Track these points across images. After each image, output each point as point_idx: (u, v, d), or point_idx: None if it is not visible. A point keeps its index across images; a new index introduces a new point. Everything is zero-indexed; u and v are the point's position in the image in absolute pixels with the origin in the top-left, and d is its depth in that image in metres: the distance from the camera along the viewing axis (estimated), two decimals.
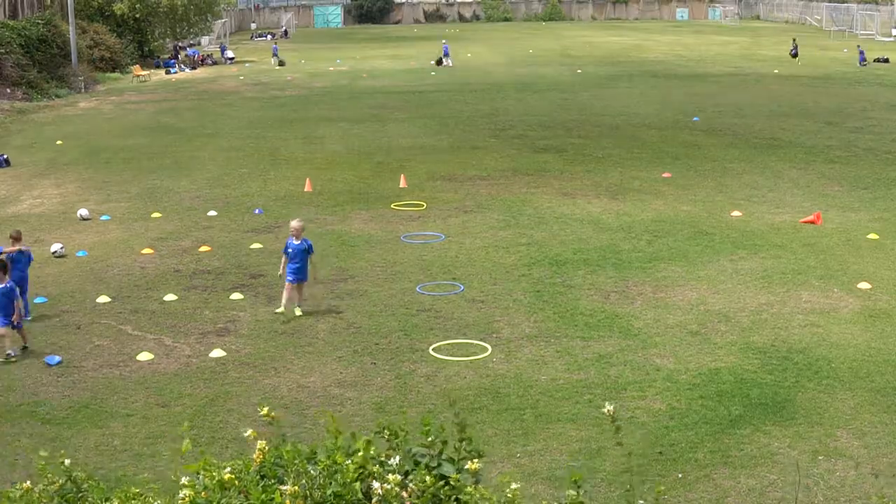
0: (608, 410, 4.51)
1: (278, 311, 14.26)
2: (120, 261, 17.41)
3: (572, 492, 4.00)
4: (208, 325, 14.14)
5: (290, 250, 14.32)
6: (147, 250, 17.94)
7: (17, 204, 22.07)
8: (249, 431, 4.35)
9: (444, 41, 58.16)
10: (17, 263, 14.15)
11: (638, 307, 14.50)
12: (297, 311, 14.31)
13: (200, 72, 54.06)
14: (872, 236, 18.15)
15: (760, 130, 30.15)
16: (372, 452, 4.04)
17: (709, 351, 12.82)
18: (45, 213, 21.04)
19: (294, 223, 14.75)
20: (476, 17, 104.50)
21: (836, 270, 16.18)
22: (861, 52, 51.99)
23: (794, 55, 54.17)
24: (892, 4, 78.06)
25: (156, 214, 20.65)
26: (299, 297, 14.49)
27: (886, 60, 51.73)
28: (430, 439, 4.07)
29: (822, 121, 32.11)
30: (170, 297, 15.33)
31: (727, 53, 58.39)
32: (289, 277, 14.28)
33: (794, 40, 56.64)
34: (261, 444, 4.17)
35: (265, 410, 4.28)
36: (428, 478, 3.93)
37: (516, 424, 10.79)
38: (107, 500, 4.19)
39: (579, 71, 49.07)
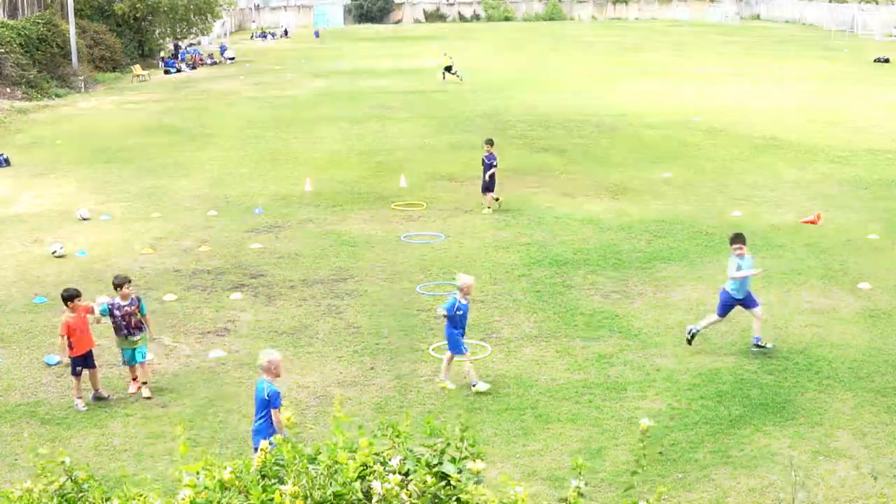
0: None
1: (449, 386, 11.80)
2: (120, 261, 17.40)
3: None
4: (208, 325, 14.13)
5: (461, 312, 11.90)
6: (147, 250, 17.94)
7: (17, 204, 22.06)
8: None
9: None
10: None
11: (638, 307, 14.49)
12: (449, 384, 11.82)
13: (200, 72, 54.07)
14: (872, 236, 18.15)
15: (761, 130, 30.14)
16: (374, 450, 4.04)
17: (709, 351, 12.81)
18: (45, 213, 21.03)
19: (466, 279, 12.14)
20: (476, 17, 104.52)
21: (837, 270, 16.17)
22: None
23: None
24: (893, 4, 78.04)
25: (156, 214, 20.65)
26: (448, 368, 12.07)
27: (887, 60, 51.73)
28: (434, 443, 4.07)
29: (822, 120, 32.10)
30: (170, 297, 15.33)
31: None
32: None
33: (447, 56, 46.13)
34: (263, 444, 4.17)
35: (286, 416, 4.27)
36: (429, 478, 3.93)
37: (516, 424, 10.79)
38: (107, 500, 4.18)
39: (579, 70, 49.05)
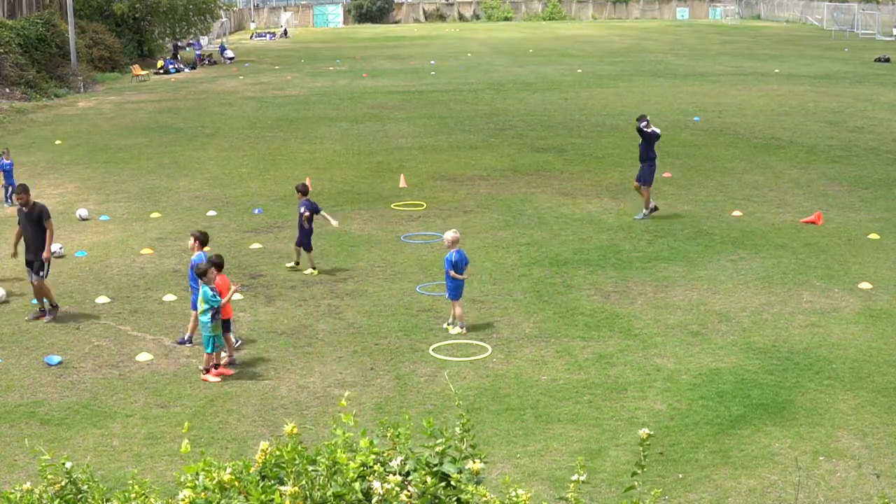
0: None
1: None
2: (119, 261, 17.39)
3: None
4: None
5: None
6: (146, 250, 17.93)
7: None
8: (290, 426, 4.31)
9: None
10: None
11: (638, 307, 14.48)
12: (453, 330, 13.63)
13: (200, 72, 54.05)
14: (873, 236, 18.14)
15: (761, 130, 30.13)
16: (374, 450, 4.03)
17: (709, 351, 12.80)
18: None
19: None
20: (476, 17, 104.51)
21: (837, 270, 16.16)
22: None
23: None
24: (893, 4, 78.04)
25: (155, 214, 20.64)
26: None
27: (887, 60, 51.74)
28: (434, 443, 4.05)
29: (822, 120, 32.10)
30: (169, 297, 15.31)
31: None
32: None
33: None
34: (263, 444, 4.16)
35: (289, 427, 4.26)
36: (429, 478, 3.92)
37: (516, 425, 10.77)
38: (107, 500, 4.17)
39: (579, 70, 49.11)
